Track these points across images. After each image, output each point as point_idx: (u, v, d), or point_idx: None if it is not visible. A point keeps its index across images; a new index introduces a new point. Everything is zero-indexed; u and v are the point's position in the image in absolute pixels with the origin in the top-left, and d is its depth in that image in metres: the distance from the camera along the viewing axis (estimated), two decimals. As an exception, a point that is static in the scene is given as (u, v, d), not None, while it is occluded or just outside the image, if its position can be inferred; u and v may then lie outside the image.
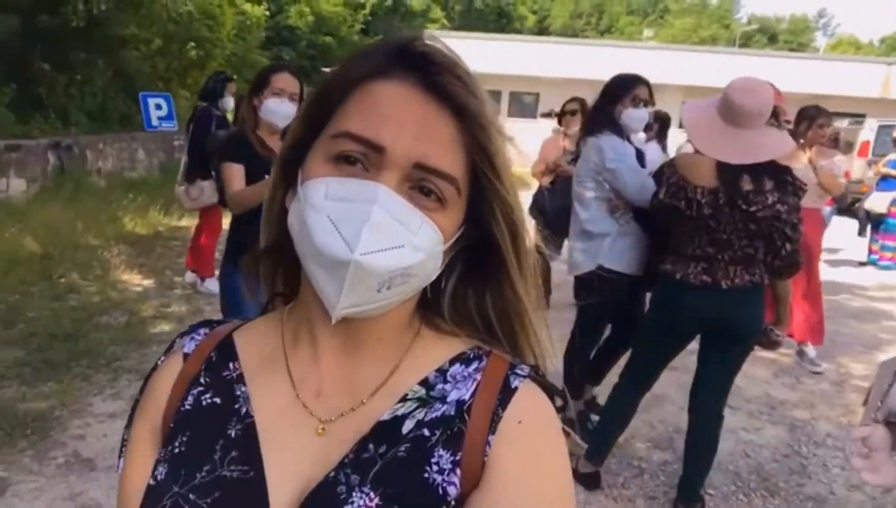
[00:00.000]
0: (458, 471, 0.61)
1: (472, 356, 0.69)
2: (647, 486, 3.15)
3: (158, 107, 9.93)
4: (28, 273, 5.56)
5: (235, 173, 2.80)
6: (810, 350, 4.85)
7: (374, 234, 0.57)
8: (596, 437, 3.09)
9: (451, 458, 0.62)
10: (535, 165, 5.29)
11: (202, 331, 0.74)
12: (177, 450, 0.66)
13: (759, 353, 3.32)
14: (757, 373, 4.58)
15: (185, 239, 7.34)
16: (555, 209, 4.95)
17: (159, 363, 0.74)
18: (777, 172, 2.51)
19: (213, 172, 3.70)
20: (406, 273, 0.60)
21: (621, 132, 3.16)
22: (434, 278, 0.66)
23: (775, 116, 3.09)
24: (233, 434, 0.65)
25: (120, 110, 10.85)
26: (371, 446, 0.62)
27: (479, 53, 20.80)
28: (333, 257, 0.57)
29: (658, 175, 2.80)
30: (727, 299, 2.58)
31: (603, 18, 51.02)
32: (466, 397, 0.65)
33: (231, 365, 0.70)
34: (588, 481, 3.05)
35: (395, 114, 0.59)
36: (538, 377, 0.68)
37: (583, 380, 3.62)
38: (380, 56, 0.62)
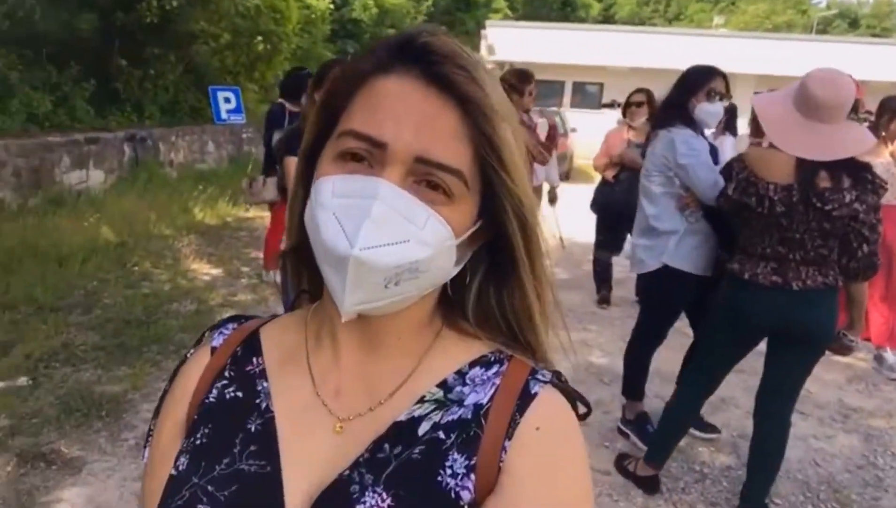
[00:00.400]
0: (473, 476, 0.61)
1: (492, 359, 0.68)
2: (709, 492, 3.06)
3: (227, 100, 10.24)
4: (105, 261, 5.82)
5: (294, 167, 2.84)
6: (889, 356, 4.59)
7: (375, 228, 0.57)
8: (656, 439, 3.02)
9: (466, 462, 0.61)
10: (598, 158, 5.18)
11: (231, 326, 0.75)
12: (198, 442, 0.67)
13: (832, 357, 3.18)
14: (830, 378, 4.37)
15: (251, 230, 7.54)
16: (618, 204, 4.85)
17: (188, 355, 0.75)
18: (856, 169, 2.38)
19: (277, 169, 3.80)
20: (414, 268, 0.59)
21: (695, 126, 3.05)
22: (451, 274, 0.65)
23: (854, 109, 2.95)
24: (252, 429, 0.66)
25: (190, 103, 11.20)
26: (386, 446, 0.63)
27: (543, 43, 20.24)
28: (336, 253, 0.57)
29: (727, 170, 2.71)
30: (798, 301, 2.47)
31: (671, 5, 49.24)
32: (484, 401, 0.64)
33: (255, 360, 0.71)
34: (647, 485, 2.99)
35: (396, 109, 0.59)
36: (560, 383, 0.67)
37: (641, 381, 3.52)
38: (382, 52, 0.62)
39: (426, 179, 0.59)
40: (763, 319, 2.55)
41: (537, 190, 5.02)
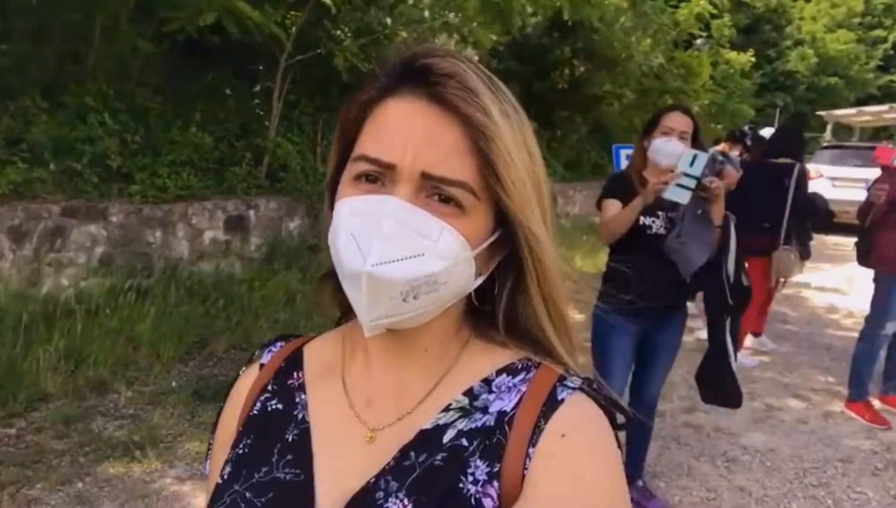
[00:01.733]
0: (496, 483, 0.61)
1: (520, 366, 0.68)
2: None
3: (628, 157, 10.58)
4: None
5: (609, 207, 2.88)
6: None
7: (387, 244, 0.59)
8: None
9: (488, 469, 0.61)
10: None
11: (279, 344, 0.81)
12: (241, 451, 0.71)
13: None
14: None
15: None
16: None
17: (241, 373, 0.81)
18: None
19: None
20: (431, 282, 0.60)
21: None
22: (472, 285, 0.66)
23: None
24: (290, 439, 0.70)
25: (593, 160, 11.91)
26: (412, 454, 0.64)
27: None
28: (351, 270, 0.60)
29: None
30: None
31: None
32: (508, 408, 0.64)
33: (296, 374, 0.75)
34: None
35: (401, 131, 0.62)
36: (593, 390, 0.66)
37: None
38: (386, 77, 0.65)
39: (437, 193, 0.61)
40: None
41: None
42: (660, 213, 2.75)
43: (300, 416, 0.71)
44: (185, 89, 6.08)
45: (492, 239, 0.65)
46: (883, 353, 4.30)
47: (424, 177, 0.60)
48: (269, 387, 0.75)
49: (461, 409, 0.66)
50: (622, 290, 2.37)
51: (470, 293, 0.67)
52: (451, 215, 0.61)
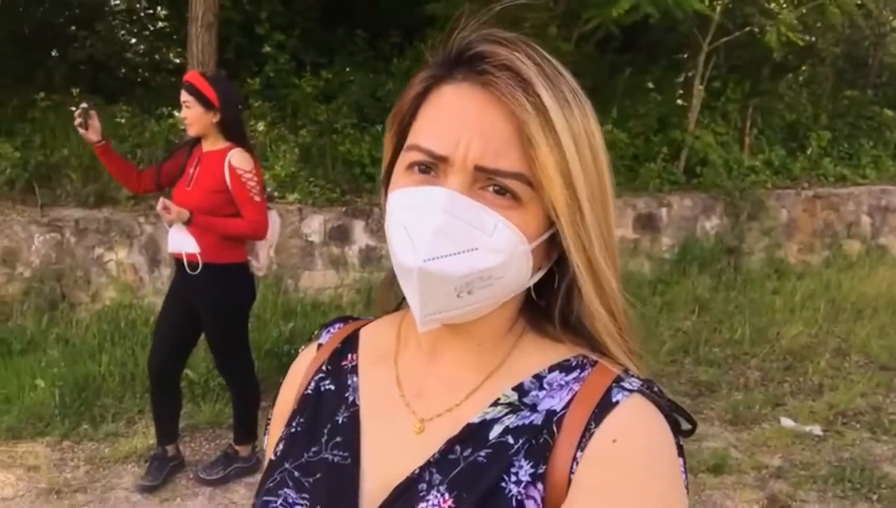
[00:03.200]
0: (541, 485, 0.59)
1: (574, 363, 0.66)
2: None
3: None
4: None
5: None
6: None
7: (439, 239, 0.58)
8: None
9: (532, 470, 0.60)
10: None
11: (338, 325, 0.80)
12: (293, 430, 0.72)
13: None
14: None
15: None
16: None
17: (301, 351, 0.80)
18: None
19: None
20: (486, 277, 0.59)
21: None
22: (530, 280, 0.64)
23: None
24: (340, 420, 0.70)
25: None
26: (458, 447, 0.63)
27: None
28: (405, 266, 0.59)
29: None
30: None
31: None
32: (559, 407, 0.62)
33: (350, 356, 0.75)
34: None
35: (454, 121, 0.60)
36: (653, 392, 0.63)
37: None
38: (441, 62, 0.64)
39: (492, 184, 0.59)
40: None
41: None
42: None
43: (351, 399, 0.71)
44: (604, 86, 6.09)
45: (550, 232, 0.63)
46: None
47: (478, 169, 0.59)
48: (324, 368, 0.75)
49: (510, 405, 0.64)
50: None
51: (529, 288, 0.66)
52: (506, 208, 0.60)
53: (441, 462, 0.63)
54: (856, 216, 6.65)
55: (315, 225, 4.84)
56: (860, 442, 3.53)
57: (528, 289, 0.66)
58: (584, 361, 0.66)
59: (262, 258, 2.99)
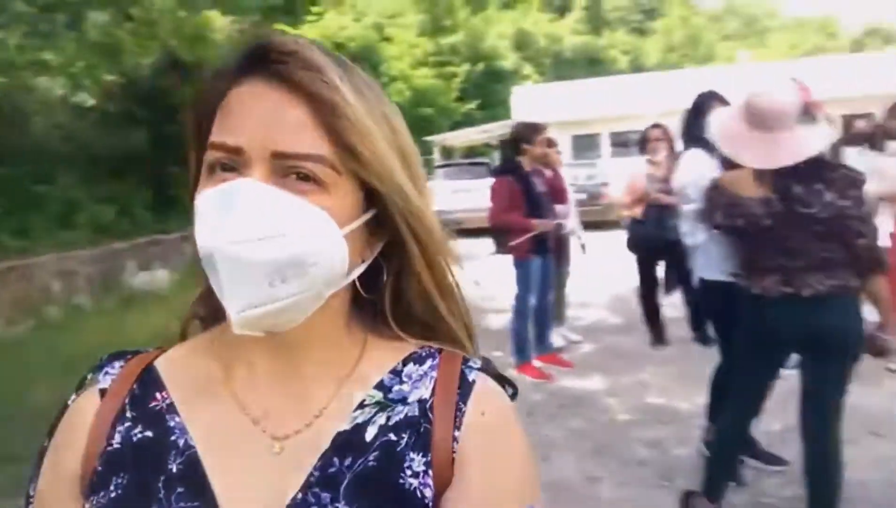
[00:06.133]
0: (431, 471, 0.62)
1: (423, 354, 0.69)
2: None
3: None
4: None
5: None
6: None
7: (243, 223, 0.57)
8: (709, 474, 2.81)
9: (424, 459, 0.62)
10: (621, 197, 5.16)
11: (116, 364, 0.69)
12: (113, 494, 0.62)
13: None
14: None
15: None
16: (649, 239, 4.67)
17: (69, 402, 0.68)
18: (823, 170, 2.41)
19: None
20: (298, 262, 0.58)
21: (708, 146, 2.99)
22: (350, 270, 0.63)
23: (809, 112, 2.55)
24: (174, 469, 0.62)
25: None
26: (335, 459, 0.62)
27: (572, 100, 19.57)
28: (206, 251, 0.58)
29: (708, 199, 2.72)
30: (812, 309, 2.43)
31: (699, 49, 45.27)
32: (427, 395, 0.65)
33: (158, 395, 0.66)
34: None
35: (245, 113, 0.60)
36: (489, 368, 0.70)
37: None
38: (230, 67, 0.63)
39: (293, 172, 0.59)
40: (782, 331, 2.50)
41: (564, 238, 5.38)
42: None
43: (182, 441, 0.63)
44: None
45: (364, 218, 0.63)
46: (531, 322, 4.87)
47: (277, 157, 0.58)
48: (128, 414, 0.65)
49: (377, 404, 0.65)
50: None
51: (356, 287, 0.66)
52: (312, 193, 0.59)
53: (323, 478, 0.60)
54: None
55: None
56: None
57: (356, 288, 0.66)
58: (431, 350, 0.68)
59: None
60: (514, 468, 0.64)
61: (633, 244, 5.34)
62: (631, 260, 5.32)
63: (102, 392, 0.67)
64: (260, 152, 0.58)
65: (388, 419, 0.64)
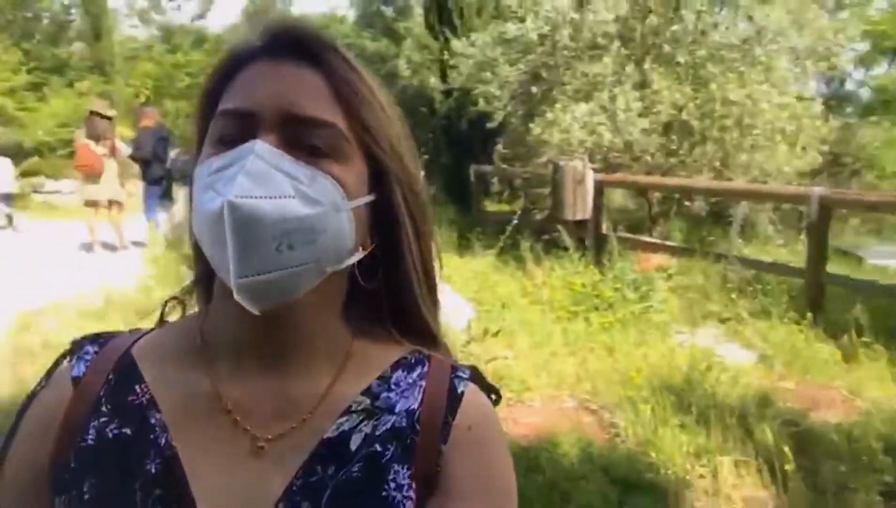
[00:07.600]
0: (415, 485, 0.60)
1: (413, 360, 0.67)
2: None
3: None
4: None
5: None
6: None
7: (253, 182, 0.55)
8: None
9: (408, 472, 0.61)
10: None
11: (90, 349, 0.66)
12: (86, 495, 0.59)
13: None
14: None
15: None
16: None
17: (38, 390, 0.66)
18: None
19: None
20: (307, 227, 0.56)
21: None
22: (352, 249, 0.62)
23: None
24: (153, 470, 0.59)
25: None
26: (319, 468, 0.59)
27: None
28: (210, 211, 0.55)
29: None
30: None
31: None
32: (415, 405, 0.64)
33: (137, 388, 0.63)
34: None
35: (257, 82, 0.60)
36: (478, 377, 0.69)
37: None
38: (248, 45, 0.64)
39: (302, 141, 0.58)
40: None
41: None
42: None
43: (162, 440, 0.60)
44: None
45: (368, 198, 0.62)
46: None
47: (289, 122, 0.58)
48: (103, 408, 0.62)
49: (364, 411, 0.62)
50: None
51: (350, 282, 0.65)
52: (322, 162, 0.58)
53: (305, 487, 0.59)
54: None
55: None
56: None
57: (351, 292, 0.66)
58: (421, 356, 0.67)
59: None
60: (498, 482, 0.64)
61: None
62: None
63: (76, 381, 0.64)
64: (272, 117, 0.58)
65: (374, 428, 0.62)
